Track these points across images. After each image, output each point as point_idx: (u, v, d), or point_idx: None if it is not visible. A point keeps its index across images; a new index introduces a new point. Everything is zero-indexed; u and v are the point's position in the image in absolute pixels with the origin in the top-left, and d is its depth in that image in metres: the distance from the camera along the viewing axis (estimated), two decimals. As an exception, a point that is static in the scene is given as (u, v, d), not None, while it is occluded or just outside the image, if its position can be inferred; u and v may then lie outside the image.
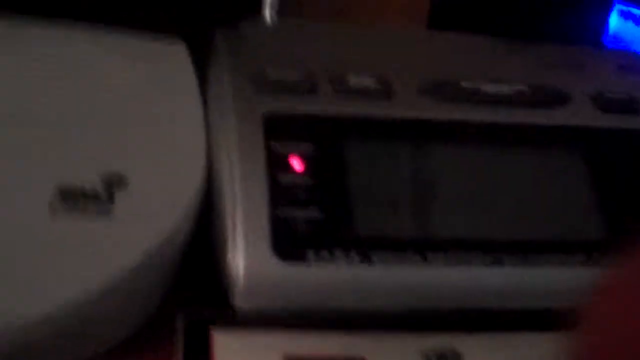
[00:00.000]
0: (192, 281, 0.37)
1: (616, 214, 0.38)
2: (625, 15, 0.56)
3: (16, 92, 0.37)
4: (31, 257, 0.31)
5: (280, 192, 0.35)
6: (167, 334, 0.34)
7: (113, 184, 0.34)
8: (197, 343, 0.34)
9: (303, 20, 0.45)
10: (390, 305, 0.35)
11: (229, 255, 0.34)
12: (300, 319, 0.35)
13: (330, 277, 0.34)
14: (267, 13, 0.47)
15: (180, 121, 0.38)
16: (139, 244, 0.33)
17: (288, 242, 0.34)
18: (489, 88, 0.41)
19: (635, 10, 0.55)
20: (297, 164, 0.36)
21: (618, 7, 0.56)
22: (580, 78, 0.44)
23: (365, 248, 0.35)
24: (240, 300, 0.34)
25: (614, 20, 0.56)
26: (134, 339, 0.35)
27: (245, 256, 0.34)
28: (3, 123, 0.35)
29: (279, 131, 0.37)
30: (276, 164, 0.36)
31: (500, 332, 0.36)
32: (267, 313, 0.34)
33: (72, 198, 0.33)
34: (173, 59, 0.41)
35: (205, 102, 0.40)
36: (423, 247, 0.35)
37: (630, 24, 0.55)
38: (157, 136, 0.37)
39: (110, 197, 0.34)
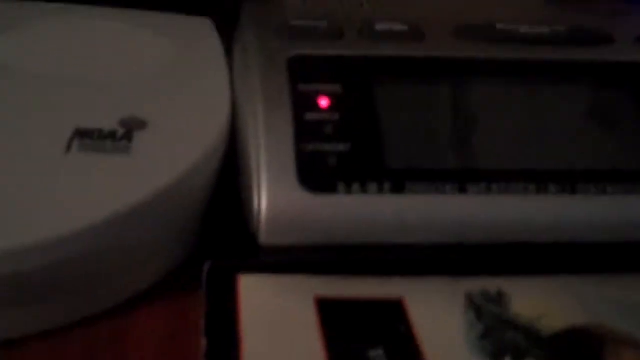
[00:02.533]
0: (223, 236, 0.36)
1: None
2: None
3: (53, 54, 0.38)
4: (45, 186, 0.30)
5: (307, 128, 0.33)
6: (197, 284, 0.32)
7: (132, 127, 0.33)
8: (224, 290, 0.32)
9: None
10: (427, 239, 0.32)
11: (254, 193, 0.32)
12: (331, 259, 0.32)
13: (362, 208, 0.32)
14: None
15: (205, 79, 0.38)
16: (156, 179, 0.31)
17: (316, 174, 0.32)
18: (526, 29, 0.39)
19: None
20: (323, 102, 0.34)
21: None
22: (624, 23, 0.42)
23: (399, 179, 0.32)
24: (266, 237, 0.32)
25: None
26: (161, 287, 0.34)
27: (269, 189, 0.32)
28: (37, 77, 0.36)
29: (304, 73, 0.35)
30: (302, 103, 0.34)
31: (549, 273, 0.33)
32: (296, 251, 0.32)
33: (89, 136, 0.32)
34: (198, 31, 0.42)
35: (231, 65, 0.39)
36: (461, 178, 0.33)
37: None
38: (181, 90, 0.37)
39: (129, 137, 0.33)
